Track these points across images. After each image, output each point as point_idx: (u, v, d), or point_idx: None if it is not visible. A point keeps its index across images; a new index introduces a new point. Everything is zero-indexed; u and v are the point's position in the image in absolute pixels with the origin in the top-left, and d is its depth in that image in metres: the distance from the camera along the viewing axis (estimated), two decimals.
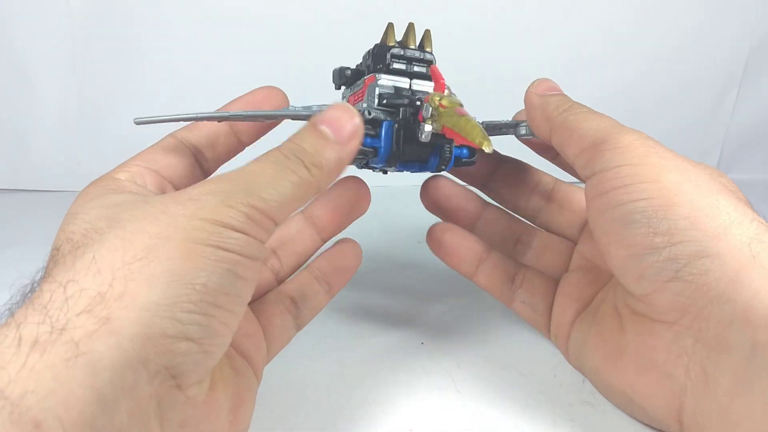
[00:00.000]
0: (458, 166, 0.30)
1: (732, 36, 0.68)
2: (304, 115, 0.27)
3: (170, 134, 0.26)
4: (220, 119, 0.25)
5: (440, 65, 0.29)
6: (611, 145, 0.23)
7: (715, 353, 0.21)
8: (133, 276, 0.17)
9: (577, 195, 0.32)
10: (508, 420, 0.26)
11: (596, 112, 0.26)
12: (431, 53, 0.29)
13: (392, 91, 0.28)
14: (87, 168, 0.69)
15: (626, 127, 0.24)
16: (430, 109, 0.26)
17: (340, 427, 0.25)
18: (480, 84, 0.65)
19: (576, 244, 0.32)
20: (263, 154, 0.22)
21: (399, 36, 0.30)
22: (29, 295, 0.19)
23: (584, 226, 0.31)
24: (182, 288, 0.17)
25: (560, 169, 0.32)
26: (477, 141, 0.23)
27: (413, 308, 0.37)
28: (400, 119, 0.27)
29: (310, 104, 0.27)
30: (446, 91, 0.27)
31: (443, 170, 0.30)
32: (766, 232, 0.21)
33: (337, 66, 0.32)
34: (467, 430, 0.25)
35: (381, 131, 0.27)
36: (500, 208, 0.33)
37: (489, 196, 0.34)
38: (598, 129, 0.24)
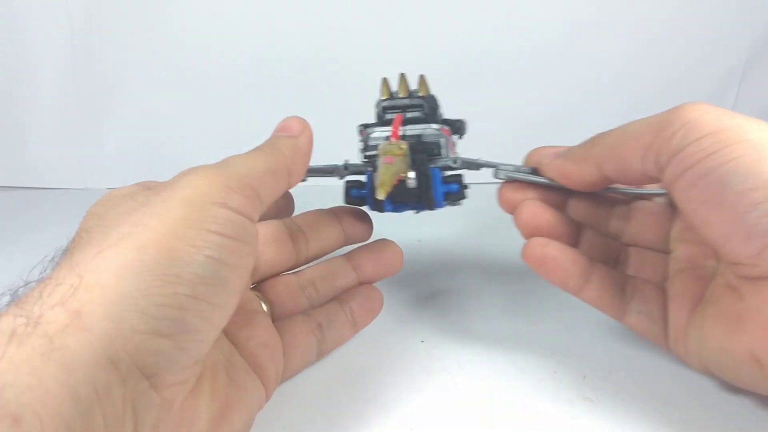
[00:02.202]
0: (450, 202, 0.30)
1: (732, 32, 0.68)
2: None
3: None
4: None
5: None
6: (677, 126, 0.22)
7: None
8: (106, 266, 0.16)
9: (657, 209, 0.30)
10: (508, 418, 0.26)
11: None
12: (423, 96, 0.30)
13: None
14: (86, 166, 0.69)
15: (675, 107, 0.23)
16: (377, 159, 0.27)
17: (340, 427, 0.25)
18: (474, 76, 0.65)
19: (669, 254, 0.30)
20: None
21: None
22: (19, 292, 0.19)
23: (670, 235, 0.30)
24: (153, 279, 0.16)
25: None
26: (377, 187, 0.25)
27: (412, 306, 0.37)
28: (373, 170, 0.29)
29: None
30: (392, 139, 0.28)
31: (433, 209, 0.30)
32: None
33: (360, 123, 0.33)
34: (467, 429, 0.25)
35: (366, 181, 0.30)
36: (595, 230, 0.31)
37: None
38: (648, 122, 0.24)
